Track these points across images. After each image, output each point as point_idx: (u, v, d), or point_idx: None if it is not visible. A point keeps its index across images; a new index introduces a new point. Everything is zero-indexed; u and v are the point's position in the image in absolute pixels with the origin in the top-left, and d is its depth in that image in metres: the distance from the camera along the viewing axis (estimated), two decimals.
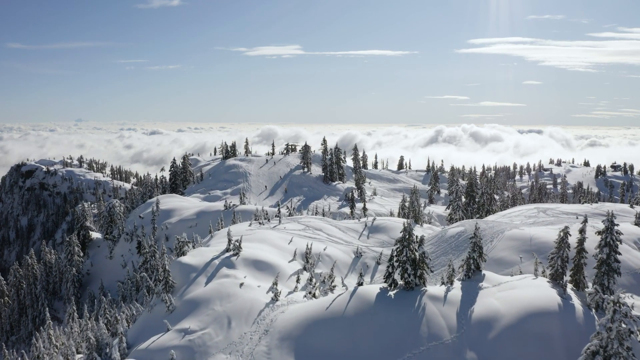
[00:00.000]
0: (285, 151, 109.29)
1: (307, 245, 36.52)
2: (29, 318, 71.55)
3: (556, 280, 31.59)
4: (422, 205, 63.72)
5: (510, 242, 40.48)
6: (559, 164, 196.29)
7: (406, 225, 28.35)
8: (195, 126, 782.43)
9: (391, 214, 64.44)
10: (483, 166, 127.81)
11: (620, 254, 29.69)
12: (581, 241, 30.93)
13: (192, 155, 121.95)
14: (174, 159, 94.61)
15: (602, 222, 30.26)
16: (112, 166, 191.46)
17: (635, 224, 46.38)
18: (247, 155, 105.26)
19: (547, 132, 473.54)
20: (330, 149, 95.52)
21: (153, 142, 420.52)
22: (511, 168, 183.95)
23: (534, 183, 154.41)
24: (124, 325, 32.47)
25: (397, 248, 28.64)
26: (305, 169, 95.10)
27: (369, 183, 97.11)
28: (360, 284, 28.80)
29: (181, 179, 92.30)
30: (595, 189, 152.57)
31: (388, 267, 28.83)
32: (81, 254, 73.77)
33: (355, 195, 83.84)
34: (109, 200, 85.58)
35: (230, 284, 30.54)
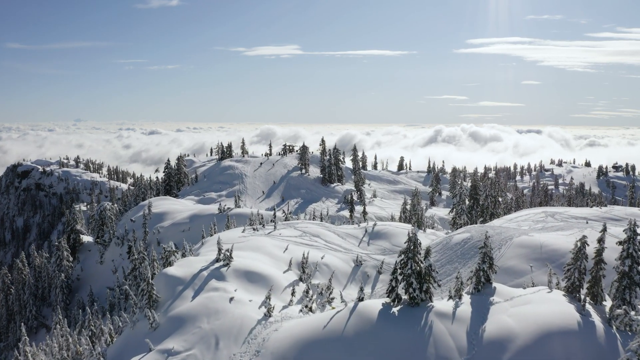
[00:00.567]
0: (282, 152, 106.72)
1: (304, 254, 34.10)
2: (17, 325, 69.05)
3: (572, 293, 29.24)
4: (424, 207, 61.40)
5: (519, 249, 38.10)
6: (560, 164, 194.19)
7: (411, 234, 25.92)
8: (194, 126, 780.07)
9: (392, 218, 62.07)
10: (485, 167, 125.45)
11: None
12: (600, 251, 28.54)
13: (188, 156, 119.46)
14: (168, 160, 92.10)
15: (624, 231, 27.87)
16: (109, 166, 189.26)
17: None
18: (243, 156, 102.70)
19: (546, 132, 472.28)
20: (329, 150, 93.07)
21: (152, 142, 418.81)
22: (512, 168, 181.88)
23: (536, 184, 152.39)
24: (105, 342, 30.01)
25: (401, 260, 26.22)
26: (303, 171, 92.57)
27: (369, 185, 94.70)
28: (360, 299, 26.37)
29: (175, 180, 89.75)
30: (597, 190, 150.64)
31: (391, 280, 26.40)
32: (70, 259, 71.29)
33: (355, 197, 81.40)
34: (102, 203, 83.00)
35: (219, 299, 28.09)
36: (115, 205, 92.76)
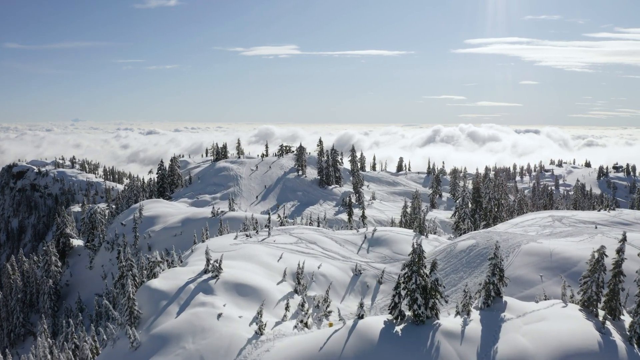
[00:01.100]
0: (279, 153, 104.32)
1: (299, 264, 31.81)
2: (5, 332, 66.71)
3: (589, 307, 27.05)
4: (424, 210, 59.21)
5: (528, 257, 35.94)
6: (560, 164, 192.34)
7: (415, 246, 23.67)
8: (193, 126, 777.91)
9: (392, 222, 59.83)
10: (486, 168, 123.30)
11: None
12: (619, 263, 26.33)
13: (182, 156, 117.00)
14: (162, 161, 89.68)
15: None
16: (104, 167, 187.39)
17: None
18: (239, 157, 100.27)
19: (544, 132, 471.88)
20: (327, 151, 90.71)
21: (150, 142, 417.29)
22: (511, 169, 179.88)
23: (536, 185, 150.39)
24: None
25: (405, 274, 23.97)
26: (300, 172, 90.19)
27: (367, 186, 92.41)
28: (360, 316, 24.10)
29: (169, 182, 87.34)
30: (597, 191, 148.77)
31: (394, 296, 24.14)
32: (59, 264, 68.93)
33: (353, 200, 79.12)
34: (92, 206, 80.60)
35: (206, 315, 25.79)
36: (107, 207, 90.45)
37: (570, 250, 36.75)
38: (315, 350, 22.48)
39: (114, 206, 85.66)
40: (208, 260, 29.37)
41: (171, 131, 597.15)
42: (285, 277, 32.36)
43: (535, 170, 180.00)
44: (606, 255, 26.68)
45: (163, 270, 31.20)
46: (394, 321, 24.05)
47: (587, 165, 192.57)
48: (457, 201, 56.54)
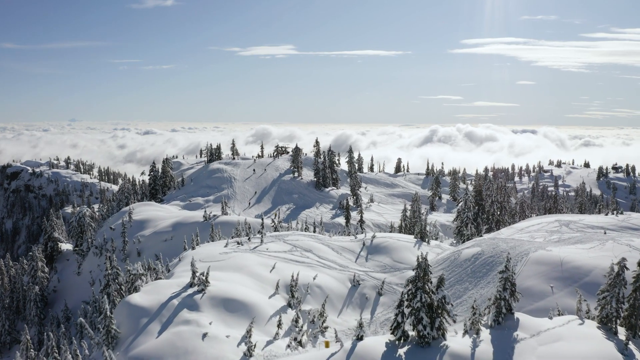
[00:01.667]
0: (275, 154, 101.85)
1: (293, 276, 29.50)
2: None
3: (607, 324, 24.92)
4: (424, 213, 56.98)
5: (537, 267, 33.73)
6: (559, 165, 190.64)
7: (420, 259, 21.43)
8: (190, 126, 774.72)
9: (392, 227, 57.54)
10: (485, 168, 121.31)
11: None
12: None
13: (175, 157, 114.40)
14: (154, 162, 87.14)
15: None
16: (99, 167, 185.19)
17: None
18: (233, 158, 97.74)
19: (541, 132, 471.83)
20: (323, 152, 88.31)
21: (147, 142, 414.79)
22: (509, 170, 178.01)
23: (535, 185, 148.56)
24: None
25: (409, 290, 21.72)
26: (296, 174, 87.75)
27: (365, 188, 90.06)
28: (359, 337, 21.84)
29: (161, 184, 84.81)
30: (597, 192, 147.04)
31: (396, 314, 21.89)
32: (46, 270, 66.40)
33: (351, 202, 76.79)
34: (80, 209, 78.07)
35: (190, 335, 23.48)
36: (98, 210, 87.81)
37: (581, 259, 34.61)
38: None
39: (104, 209, 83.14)
40: (194, 272, 27.05)
41: (168, 131, 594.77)
42: (278, 289, 30.07)
43: (534, 171, 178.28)
44: (627, 269, 24.59)
45: (146, 283, 28.89)
46: (397, 342, 21.84)
47: (586, 165, 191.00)
48: (459, 205, 54.33)
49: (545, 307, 29.92)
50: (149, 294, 26.71)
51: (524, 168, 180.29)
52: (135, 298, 26.21)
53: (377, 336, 23.85)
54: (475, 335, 22.80)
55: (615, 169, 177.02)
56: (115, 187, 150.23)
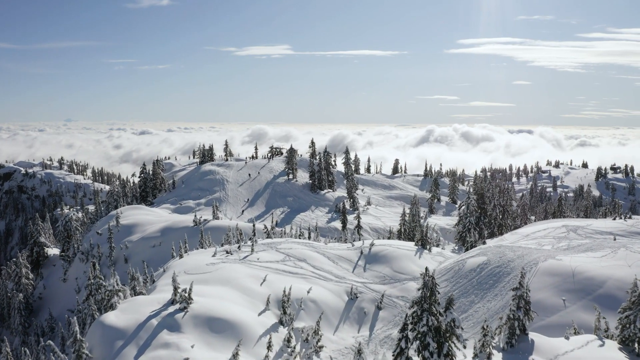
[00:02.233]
0: (269, 155, 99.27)
1: (285, 290, 27.08)
2: None
3: (628, 344, 22.70)
4: (423, 217, 54.71)
5: (548, 278, 31.45)
6: (557, 165, 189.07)
7: (427, 279, 19.07)
8: (186, 126, 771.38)
9: (390, 232, 55.17)
10: (483, 169, 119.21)
11: None
12: None
13: (168, 159, 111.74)
14: (144, 164, 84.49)
15: None
16: (93, 168, 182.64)
17: None
18: (226, 160, 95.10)
19: (537, 132, 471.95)
20: (319, 153, 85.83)
21: (142, 142, 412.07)
22: (507, 170, 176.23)
23: (533, 186, 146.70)
24: None
25: (414, 312, 19.38)
26: (291, 176, 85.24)
27: (362, 190, 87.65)
28: None
29: (151, 186, 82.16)
30: (596, 192, 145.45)
31: (400, 340, 19.53)
32: (30, 276, 63.74)
33: (347, 205, 74.38)
34: (67, 213, 75.27)
35: (169, 359, 21.05)
36: (90, 212, 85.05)
37: (594, 269, 32.38)
38: None
39: (95, 212, 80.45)
40: (176, 288, 24.58)
41: (164, 131, 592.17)
42: (269, 305, 27.64)
43: (532, 172, 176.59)
44: None
45: (124, 298, 26.42)
46: None
47: (584, 166, 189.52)
48: (461, 209, 52.06)
49: (559, 322, 27.65)
50: (126, 313, 24.23)
51: (521, 168, 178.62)
52: (110, 318, 23.72)
53: None
54: (485, 359, 20.54)
55: (614, 169, 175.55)
56: (109, 188, 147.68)
